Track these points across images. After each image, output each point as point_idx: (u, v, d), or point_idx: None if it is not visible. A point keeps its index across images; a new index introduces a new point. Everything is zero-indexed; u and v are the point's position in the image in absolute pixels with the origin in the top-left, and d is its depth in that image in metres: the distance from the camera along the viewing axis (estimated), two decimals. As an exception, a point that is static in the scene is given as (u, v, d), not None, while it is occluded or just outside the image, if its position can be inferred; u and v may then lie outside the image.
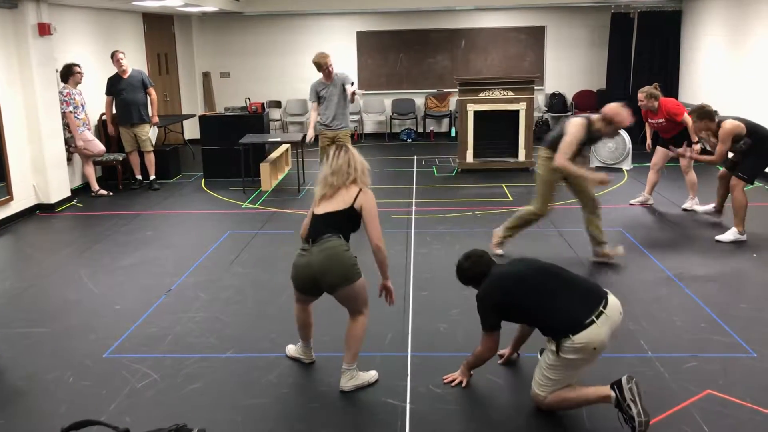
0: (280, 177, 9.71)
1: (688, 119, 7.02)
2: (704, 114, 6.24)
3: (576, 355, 3.33)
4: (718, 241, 6.24)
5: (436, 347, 4.27)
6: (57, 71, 8.29)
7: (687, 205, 7.38)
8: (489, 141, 9.61)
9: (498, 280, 3.60)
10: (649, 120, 7.44)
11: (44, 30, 7.81)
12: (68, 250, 6.60)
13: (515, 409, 3.59)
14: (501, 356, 4.02)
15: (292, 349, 4.23)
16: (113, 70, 8.94)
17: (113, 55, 8.85)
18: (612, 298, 3.45)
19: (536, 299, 3.46)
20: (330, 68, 7.56)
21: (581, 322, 3.31)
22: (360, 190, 3.79)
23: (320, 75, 7.69)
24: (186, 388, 3.88)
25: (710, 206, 7.11)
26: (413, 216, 7.41)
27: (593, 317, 3.32)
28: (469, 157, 9.64)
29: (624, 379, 3.25)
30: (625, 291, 5.13)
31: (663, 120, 7.23)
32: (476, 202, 8.00)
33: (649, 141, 7.88)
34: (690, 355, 4.10)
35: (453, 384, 3.82)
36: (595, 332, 3.31)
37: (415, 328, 4.57)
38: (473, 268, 3.70)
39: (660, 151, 7.51)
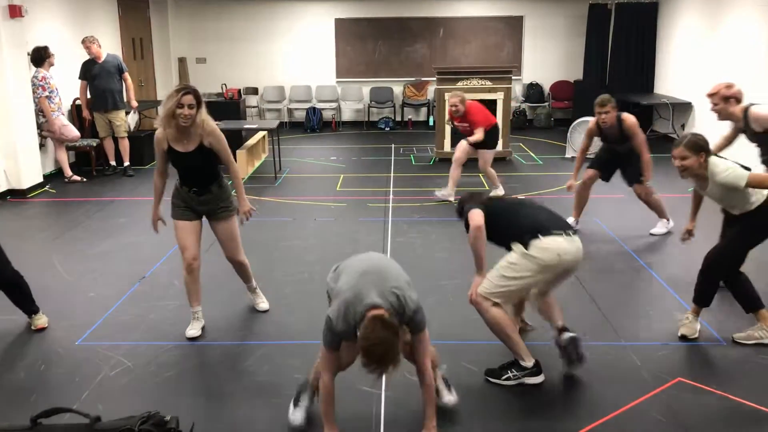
0: (257, 164, 9.64)
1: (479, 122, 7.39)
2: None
3: (541, 255, 3.40)
4: (652, 234, 6.35)
5: (412, 335, 4.27)
6: (28, 54, 8.13)
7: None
8: (466, 130, 9.62)
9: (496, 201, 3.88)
10: (455, 123, 7.70)
11: (15, 12, 7.64)
12: (40, 236, 6.50)
13: (492, 397, 3.61)
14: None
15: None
16: (87, 55, 8.79)
17: (83, 42, 8.68)
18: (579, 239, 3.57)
19: (515, 211, 3.67)
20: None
21: (549, 229, 3.46)
22: None
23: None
24: (160, 376, 3.85)
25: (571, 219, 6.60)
26: (390, 204, 7.40)
27: (563, 232, 3.48)
28: (447, 146, 9.64)
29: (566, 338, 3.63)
30: (599, 280, 5.19)
31: (467, 125, 7.52)
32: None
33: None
34: (662, 344, 4.15)
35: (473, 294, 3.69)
36: (564, 243, 3.44)
37: (391, 316, 4.57)
38: (471, 198, 3.86)
39: (462, 146, 7.63)
